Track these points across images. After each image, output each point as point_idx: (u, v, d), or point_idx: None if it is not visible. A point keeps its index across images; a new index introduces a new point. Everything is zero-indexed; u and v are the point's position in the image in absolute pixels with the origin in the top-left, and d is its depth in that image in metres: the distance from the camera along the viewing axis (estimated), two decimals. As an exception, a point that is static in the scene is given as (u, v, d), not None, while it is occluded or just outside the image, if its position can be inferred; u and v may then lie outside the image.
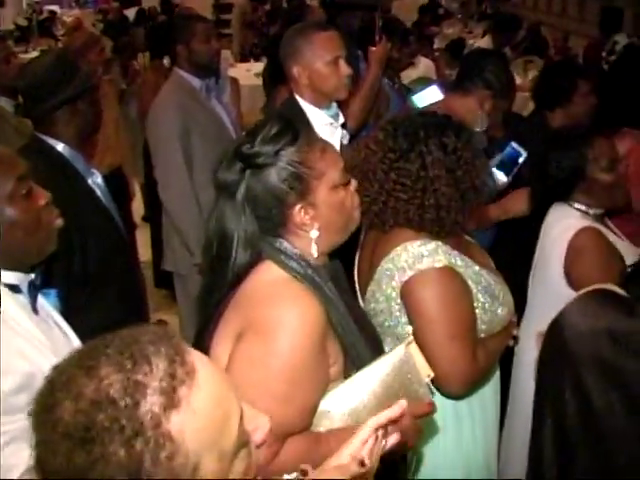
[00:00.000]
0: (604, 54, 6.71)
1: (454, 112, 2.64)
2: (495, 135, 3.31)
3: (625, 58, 4.98)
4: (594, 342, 1.49)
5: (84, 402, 0.85)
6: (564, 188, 2.52)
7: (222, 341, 1.61)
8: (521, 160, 3.14)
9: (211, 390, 0.91)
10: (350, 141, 2.97)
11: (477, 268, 2.05)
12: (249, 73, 8.02)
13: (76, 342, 1.83)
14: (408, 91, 4.39)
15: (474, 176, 2.00)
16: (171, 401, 0.86)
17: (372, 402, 1.62)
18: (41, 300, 1.84)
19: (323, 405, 1.62)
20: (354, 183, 1.74)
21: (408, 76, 5.31)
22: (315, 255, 1.66)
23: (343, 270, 1.88)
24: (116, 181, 3.65)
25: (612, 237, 2.51)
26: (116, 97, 5.29)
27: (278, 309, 1.56)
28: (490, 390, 2.16)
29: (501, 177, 3.16)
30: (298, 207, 1.62)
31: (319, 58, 2.84)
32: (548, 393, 1.61)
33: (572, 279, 2.42)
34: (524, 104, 4.93)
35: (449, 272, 1.97)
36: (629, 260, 2.32)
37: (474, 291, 2.01)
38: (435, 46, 7.94)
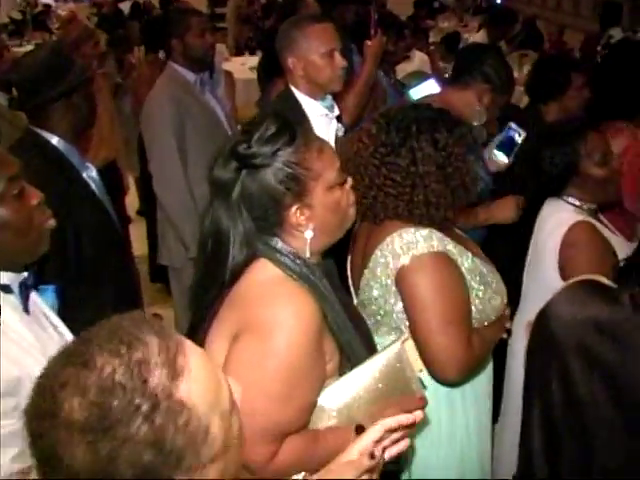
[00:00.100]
0: (599, 48, 6.71)
1: (452, 105, 2.65)
2: (491, 132, 3.30)
3: (617, 52, 4.98)
4: (580, 332, 1.49)
5: (92, 394, 0.86)
6: (558, 183, 2.53)
7: (217, 339, 1.61)
8: (520, 140, 3.12)
9: (200, 355, 0.95)
10: (345, 134, 2.97)
11: (470, 255, 2.05)
12: (244, 67, 7.97)
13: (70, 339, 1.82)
14: (403, 86, 4.38)
15: (464, 173, 2.00)
16: (174, 371, 0.89)
17: (366, 397, 1.62)
18: (35, 299, 1.83)
19: (318, 401, 1.62)
20: (350, 181, 1.74)
21: (403, 70, 5.31)
22: (307, 255, 1.66)
23: (336, 268, 1.88)
24: (110, 175, 3.64)
25: (606, 232, 2.51)
26: (111, 91, 5.27)
27: (273, 308, 1.56)
28: (484, 381, 2.16)
29: (502, 158, 3.15)
30: (294, 208, 1.62)
31: (314, 50, 2.86)
32: (536, 383, 1.61)
33: (566, 273, 2.41)
34: (519, 98, 4.93)
35: (443, 258, 1.97)
36: (622, 255, 2.32)
37: (468, 278, 2.01)
38: (430, 40, 7.92)
